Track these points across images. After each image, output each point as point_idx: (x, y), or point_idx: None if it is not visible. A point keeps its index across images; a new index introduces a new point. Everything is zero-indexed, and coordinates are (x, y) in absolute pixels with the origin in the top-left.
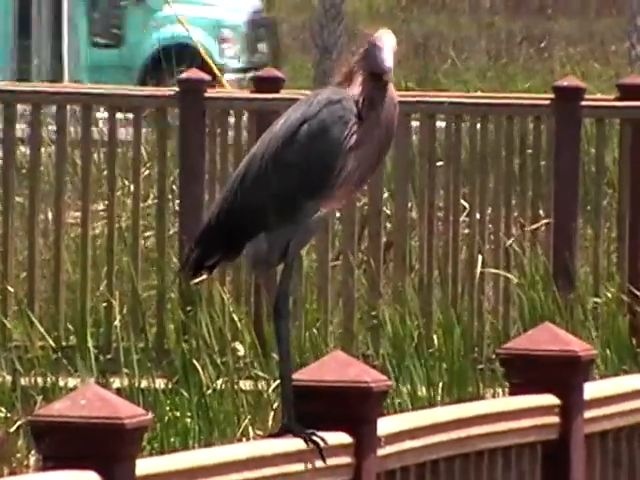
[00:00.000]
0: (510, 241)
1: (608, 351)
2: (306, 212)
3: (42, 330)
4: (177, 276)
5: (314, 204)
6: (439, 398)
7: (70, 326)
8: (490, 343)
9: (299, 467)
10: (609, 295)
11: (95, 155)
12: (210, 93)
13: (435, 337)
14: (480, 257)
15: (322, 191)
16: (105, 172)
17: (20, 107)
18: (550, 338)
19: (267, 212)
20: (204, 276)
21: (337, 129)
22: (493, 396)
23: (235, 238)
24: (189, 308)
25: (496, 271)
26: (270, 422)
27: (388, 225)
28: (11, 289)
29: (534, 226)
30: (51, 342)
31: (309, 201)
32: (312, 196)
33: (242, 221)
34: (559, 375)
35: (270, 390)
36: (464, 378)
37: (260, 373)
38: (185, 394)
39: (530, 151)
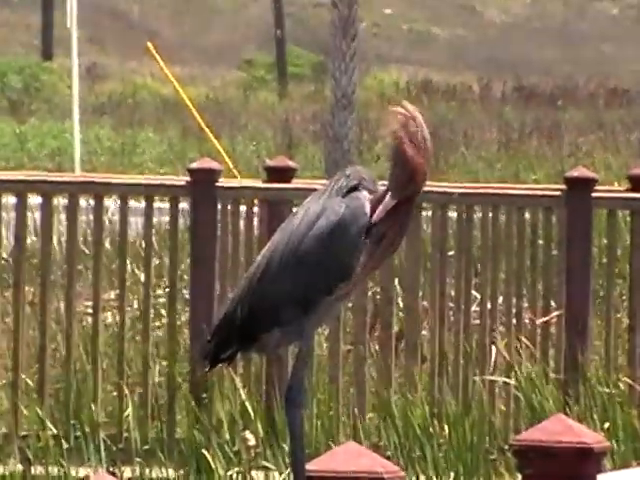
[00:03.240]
0: (521, 338)
1: (618, 443)
2: (320, 305)
3: (50, 421)
4: (189, 365)
5: (329, 297)
6: None
7: (81, 415)
8: (501, 433)
9: None
10: (620, 386)
11: (106, 244)
12: (221, 182)
13: (446, 427)
14: (493, 348)
15: (339, 285)
16: (116, 261)
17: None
18: (563, 429)
19: (284, 306)
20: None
21: (355, 228)
22: None
23: (250, 331)
24: (204, 396)
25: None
26: None
27: (400, 315)
28: (24, 377)
29: (545, 318)
30: (61, 432)
31: (325, 295)
32: (329, 291)
33: (259, 314)
34: (572, 467)
35: None
36: (476, 469)
37: (271, 463)
38: None
39: (541, 241)
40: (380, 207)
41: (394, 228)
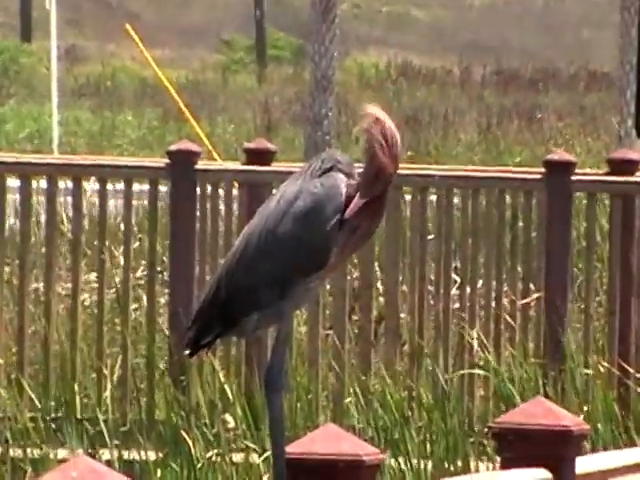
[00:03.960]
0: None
1: (599, 425)
2: (298, 288)
3: (32, 398)
4: (168, 347)
5: (307, 280)
6: (431, 472)
7: (60, 397)
8: (481, 417)
9: None
10: (600, 369)
11: (85, 226)
12: (201, 165)
13: (425, 410)
14: (472, 331)
15: (316, 267)
16: (95, 243)
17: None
18: (542, 412)
19: (262, 289)
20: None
21: (331, 207)
22: (478, 470)
23: (230, 316)
24: (182, 379)
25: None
26: None
27: (379, 299)
28: (0, 360)
29: (525, 300)
30: (40, 414)
31: (302, 278)
32: (306, 273)
33: (237, 298)
34: (551, 449)
35: (261, 462)
36: (455, 452)
37: (251, 445)
38: (175, 466)
39: (521, 224)
40: (351, 205)
41: (367, 221)
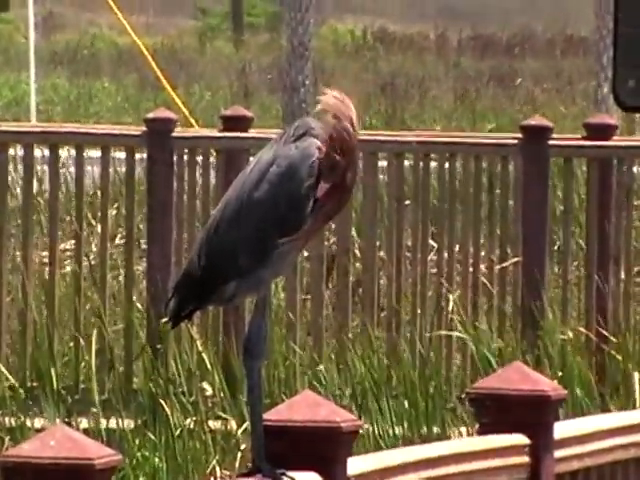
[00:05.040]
0: (483, 280)
1: (576, 390)
2: (275, 253)
3: (7, 371)
4: (145, 315)
5: (284, 245)
6: (408, 438)
7: (38, 366)
8: (458, 383)
9: None
10: (576, 334)
11: (62, 194)
12: (178, 132)
13: (403, 376)
14: (450, 296)
15: (291, 229)
16: (72, 211)
17: None
18: (520, 378)
19: (239, 257)
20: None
21: (305, 169)
22: (455, 436)
23: (209, 285)
24: (158, 346)
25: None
26: (238, 462)
27: (357, 264)
28: None
29: (503, 265)
30: (18, 383)
31: (278, 240)
32: (281, 235)
33: (215, 267)
34: (529, 415)
35: (239, 430)
36: (432, 418)
37: (228, 413)
38: (153, 434)
39: (498, 190)
40: (319, 188)
41: (333, 202)
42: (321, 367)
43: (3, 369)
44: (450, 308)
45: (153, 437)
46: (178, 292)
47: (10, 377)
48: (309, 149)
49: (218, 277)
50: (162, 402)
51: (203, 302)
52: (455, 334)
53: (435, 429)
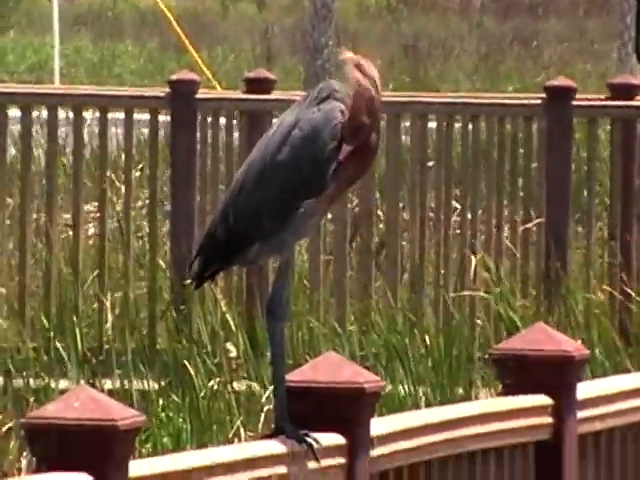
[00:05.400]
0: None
1: (598, 351)
2: (299, 216)
3: (34, 328)
4: (169, 276)
5: (307, 206)
6: (431, 399)
7: (62, 327)
8: (481, 344)
9: (292, 468)
10: (600, 294)
11: (86, 156)
12: (201, 94)
13: (427, 337)
14: (473, 258)
15: (314, 192)
16: (96, 173)
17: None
18: (543, 338)
19: (262, 219)
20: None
21: (328, 132)
22: (478, 397)
23: (232, 246)
24: (182, 308)
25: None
26: (262, 423)
27: (380, 226)
28: (3, 290)
29: (526, 225)
30: (42, 345)
31: (302, 203)
32: (304, 197)
33: (240, 228)
34: (552, 375)
35: (263, 391)
36: (456, 379)
37: (252, 374)
38: (177, 396)
39: (522, 151)
40: (342, 150)
41: (356, 166)
42: (345, 328)
43: (29, 329)
44: (472, 269)
45: (177, 398)
46: (202, 253)
47: (35, 338)
48: (332, 112)
49: (242, 239)
50: (186, 363)
51: (227, 263)
52: (479, 294)
53: (459, 390)
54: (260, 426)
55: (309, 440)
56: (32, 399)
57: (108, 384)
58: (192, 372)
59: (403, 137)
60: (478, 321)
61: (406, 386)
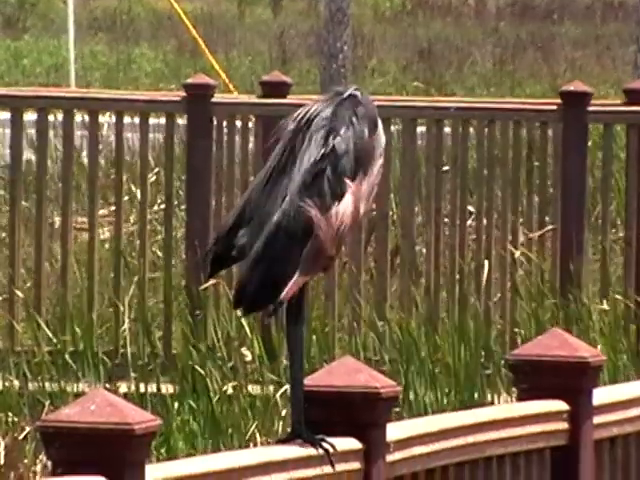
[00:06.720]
0: (517, 253)
1: (613, 357)
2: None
3: (50, 334)
4: (185, 280)
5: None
6: (446, 404)
7: (77, 331)
8: (498, 349)
9: (308, 473)
10: (615, 302)
11: (102, 160)
12: (217, 98)
13: (442, 343)
14: (487, 263)
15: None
16: (112, 177)
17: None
18: (559, 344)
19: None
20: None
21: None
22: (494, 402)
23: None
24: (197, 312)
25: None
26: (277, 428)
27: (395, 230)
28: (19, 294)
29: (540, 232)
30: (57, 348)
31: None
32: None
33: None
34: (568, 381)
35: (277, 395)
36: (471, 384)
37: (267, 379)
38: (192, 400)
39: (537, 156)
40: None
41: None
42: (360, 333)
43: (47, 331)
44: (485, 274)
45: (192, 402)
46: (252, 282)
47: (51, 342)
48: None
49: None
50: (200, 368)
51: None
52: (494, 299)
53: (474, 395)
54: (279, 430)
55: (325, 445)
56: (48, 403)
57: (124, 388)
58: (207, 376)
59: (419, 141)
60: (494, 326)
61: (422, 391)
